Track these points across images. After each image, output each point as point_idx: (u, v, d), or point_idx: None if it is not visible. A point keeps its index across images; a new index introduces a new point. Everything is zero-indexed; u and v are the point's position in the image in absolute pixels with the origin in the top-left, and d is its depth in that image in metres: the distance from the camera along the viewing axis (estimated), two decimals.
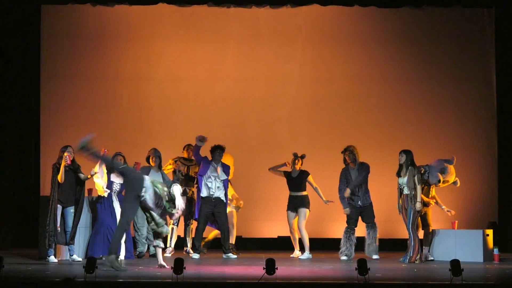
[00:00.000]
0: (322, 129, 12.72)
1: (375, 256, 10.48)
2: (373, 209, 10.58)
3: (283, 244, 12.09)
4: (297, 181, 10.84)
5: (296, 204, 10.84)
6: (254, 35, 12.86)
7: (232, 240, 10.99)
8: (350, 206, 10.50)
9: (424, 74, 12.78)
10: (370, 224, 10.56)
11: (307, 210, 10.82)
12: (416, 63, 12.79)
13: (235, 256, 10.63)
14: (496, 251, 10.26)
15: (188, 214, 11.01)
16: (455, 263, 7.38)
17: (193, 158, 10.91)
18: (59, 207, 9.78)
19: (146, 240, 10.64)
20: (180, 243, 11.21)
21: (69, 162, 9.77)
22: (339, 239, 10.50)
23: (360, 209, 10.55)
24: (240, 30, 12.86)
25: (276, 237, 11.68)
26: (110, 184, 10.18)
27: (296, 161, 10.88)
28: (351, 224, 10.53)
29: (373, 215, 10.58)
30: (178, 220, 11.05)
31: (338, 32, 12.84)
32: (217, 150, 10.59)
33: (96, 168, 9.91)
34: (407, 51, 12.80)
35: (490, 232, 10.54)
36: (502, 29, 12.55)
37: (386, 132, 12.60)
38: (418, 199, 9.98)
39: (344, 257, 10.42)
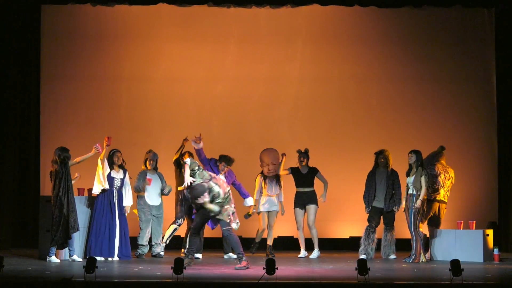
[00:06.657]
0: (322, 129, 12.72)
1: (391, 256, 10.56)
2: (395, 216, 10.68)
3: (284, 244, 12.09)
4: (306, 177, 10.83)
5: (305, 200, 10.82)
6: (254, 35, 12.85)
7: (270, 242, 10.96)
8: (372, 208, 10.64)
9: (424, 74, 12.76)
10: (389, 227, 10.63)
11: (316, 206, 10.84)
12: (416, 63, 12.78)
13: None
14: (496, 251, 10.27)
15: (178, 213, 11.02)
16: (455, 263, 7.39)
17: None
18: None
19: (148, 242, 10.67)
20: (179, 244, 11.20)
21: (100, 150, 9.92)
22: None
23: (382, 211, 10.63)
24: (240, 30, 12.85)
25: (276, 237, 11.65)
26: (111, 180, 10.18)
27: (302, 158, 10.87)
28: (371, 223, 10.64)
29: (393, 220, 10.68)
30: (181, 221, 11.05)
31: (338, 32, 12.83)
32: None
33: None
34: (407, 51, 12.78)
35: (490, 232, 10.55)
36: (502, 29, 12.54)
37: (386, 132, 12.58)
38: (421, 197, 9.98)
39: (363, 256, 10.42)
